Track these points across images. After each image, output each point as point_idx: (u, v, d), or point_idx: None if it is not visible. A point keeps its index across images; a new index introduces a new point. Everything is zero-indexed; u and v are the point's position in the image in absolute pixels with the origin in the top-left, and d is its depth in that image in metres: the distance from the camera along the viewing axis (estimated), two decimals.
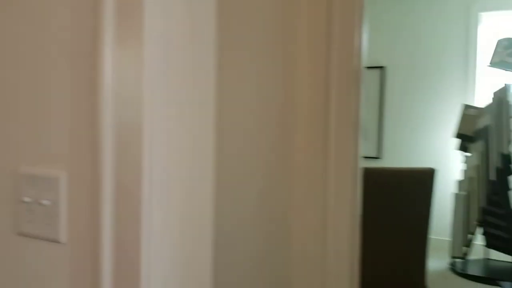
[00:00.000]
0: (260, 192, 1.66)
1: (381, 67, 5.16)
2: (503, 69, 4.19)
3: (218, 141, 1.04)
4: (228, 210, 1.43)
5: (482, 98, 4.68)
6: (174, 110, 0.90)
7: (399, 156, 5.06)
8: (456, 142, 4.54)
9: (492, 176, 4.03)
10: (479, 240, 4.47)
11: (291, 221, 1.82)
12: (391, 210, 3.33)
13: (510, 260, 4.30)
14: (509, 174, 4.11)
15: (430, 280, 4.04)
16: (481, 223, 4.32)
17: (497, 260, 4.47)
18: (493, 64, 4.16)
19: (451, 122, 4.73)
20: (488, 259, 4.53)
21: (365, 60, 1.86)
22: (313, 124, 1.81)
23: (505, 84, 4.03)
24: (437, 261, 4.53)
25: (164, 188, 0.86)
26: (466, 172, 4.25)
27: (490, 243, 4.47)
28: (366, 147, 5.24)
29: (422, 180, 3.39)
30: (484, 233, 4.45)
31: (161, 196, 0.85)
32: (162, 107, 0.87)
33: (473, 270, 4.16)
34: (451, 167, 4.83)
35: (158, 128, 0.85)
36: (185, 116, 0.93)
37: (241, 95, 1.55)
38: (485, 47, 4.69)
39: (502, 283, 3.47)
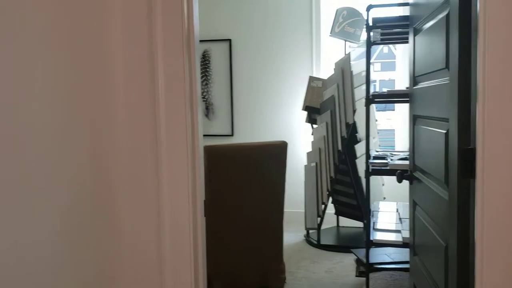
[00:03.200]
0: (79, 184, 1.27)
1: (228, 40, 4.93)
2: (343, 39, 4.25)
3: None
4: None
5: (327, 69, 4.73)
6: None
7: (251, 132, 4.94)
8: (305, 114, 4.54)
9: (339, 146, 4.08)
10: (331, 209, 4.57)
11: (119, 209, 1.47)
12: (247, 185, 3.14)
13: (360, 226, 4.46)
14: (355, 143, 4.21)
15: (285, 253, 3.99)
16: (331, 193, 4.40)
17: (349, 227, 4.62)
18: (333, 34, 4.18)
19: (300, 94, 4.71)
20: (342, 226, 4.67)
21: (198, 31, 1.56)
22: (138, 104, 1.45)
23: (346, 54, 4.09)
24: (293, 234, 4.52)
25: None
26: (314, 143, 4.26)
27: (340, 211, 4.60)
28: (217, 125, 5.01)
29: (275, 153, 3.25)
30: (334, 202, 4.56)
31: None
32: None
33: (326, 240, 4.22)
34: (301, 140, 4.84)
35: None
36: None
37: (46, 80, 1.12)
38: (328, 17, 4.71)
39: (354, 250, 3.52)
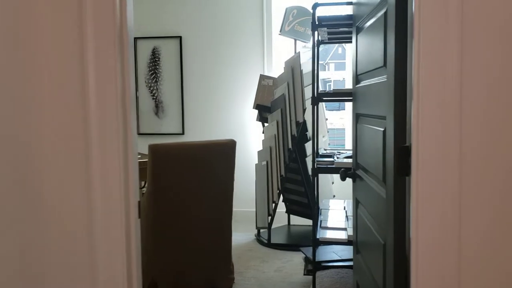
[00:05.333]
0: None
1: (178, 37, 4.84)
2: (293, 38, 4.26)
3: None
4: None
5: (280, 68, 4.72)
6: None
7: (203, 131, 4.87)
8: (256, 113, 4.52)
9: (289, 144, 4.08)
10: (283, 207, 4.56)
11: (48, 215, 1.38)
12: (195, 185, 3.08)
13: (311, 224, 4.48)
14: (305, 142, 4.23)
15: (235, 253, 3.96)
16: (282, 191, 4.40)
17: (300, 225, 4.64)
18: (283, 32, 4.18)
19: (252, 93, 4.68)
20: (294, 225, 4.68)
21: (132, 28, 1.49)
22: (68, 104, 1.37)
23: (296, 53, 4.09)
24: (244, 234, 4.49)
25: None
26: (265, 142, 4.25)
27: (291, 209, 4.61)
28: (168, 124, 4.91)
29: (223, 152, 3.21)
30: (285, 200, 4.57)
31: None
32: None
33: (276, 238, 4.22)
34: (253, 138, 4.81)
35: None
36: None
37: None
38: (280, 16, 4.71)
39: (302, 248, 3.52)
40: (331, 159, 2.86)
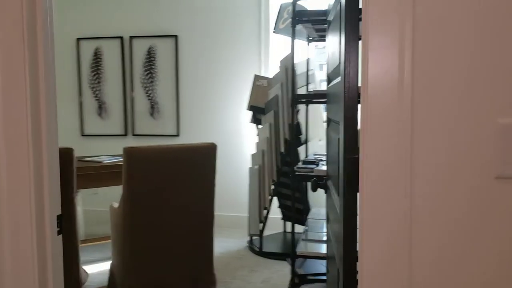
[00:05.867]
0: None
1: (174, 36, 4.69)
2: (288, 36, 4.05)
3: None
4: None
5: (276, 68, 4.53)
6: None
7: (198, 133, 4.71)
8: (250, 114, 4.34)
9: (282, 147, 3.89)
10: (278, 213, 4.37)
11: None
12: (173, 190, 2.91)
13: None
14: (298, 145, 4.03)
15: (224, 261, 3.79)
16: (277, 196, 4.21)
17: (297, 233, 4.42)
18: (277, 30, 3.98)
19: (247, 93, 4.50)
20: (290, 232, 4.47)
21: (48, 26, 1.33)
22: None
23: (290, 52, 3.89)
24: (236, 240, 4.32)
25: None
26: (258, 145, 4.06)
27: (288, 216, 4.41)
28: (162, 125, 4.77)
29: (204, 156, 3.04)
30: (281, 206, 4.37)
31: None
32: None
33: (269, 247, 4.03)
34: (247, 141, 4.63)
35: None
36: None
37: None
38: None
39: (288, 259, 3.32)
40: (313, 166, 2.65)
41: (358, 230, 1.22)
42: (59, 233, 1.40)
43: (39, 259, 1.31)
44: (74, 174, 2.82)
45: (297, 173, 2.63)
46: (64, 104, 4.92)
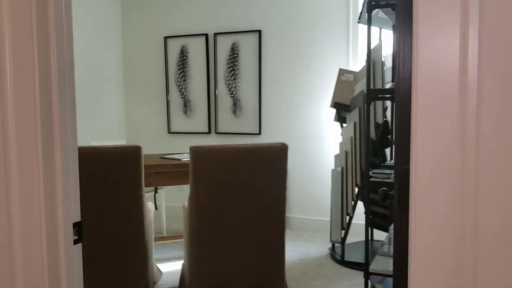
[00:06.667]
0: None
1: (257, 31, 4.55)
2: (376, 26, 3.70)
3: None
4: None
5: (362, 61, 4.18)
6: None
7: (281, 131, 4.52)
8: (334, 112, 4.05)
9: (366, 149, 3.55)
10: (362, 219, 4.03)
11: None
12: (241, 193, 2.76)
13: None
14: (386, 146, 3.66)
15: (301, 269, 3.55)
16: (362, 201, 3.87)
17: (377, 241, 4.06)
18: (363, 20, 3.64)
19: (331, 89, 4.21)
20: (377, 240, 4.11)
21: (61, 13, 1.22)
22: None
23: (378, 42, 3.54)
24: (317, 246, 4.06)
25: None
26: (342, 145, 3.76)
27: (373, 223, 4.04)
28: (244, 123, 4.65)
29: (274, 157, 2.84)
30: (367, 212, 4.01)
31: None
32: None
33: (352, 255, 3.71)
34: (331, 140, 4.34)
35: None
36: None
37: None
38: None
39: (374, 277, 3.00)
40: (391, 172, 2.32)
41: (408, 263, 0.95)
42: (77, 241, 1.29)
43: (50, 270, 1.21)
44: (142, 172, 2.78)
45: (372, 179, 2.32)
46: (153, 102, 5.02)
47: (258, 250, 2.85)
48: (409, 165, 0.99)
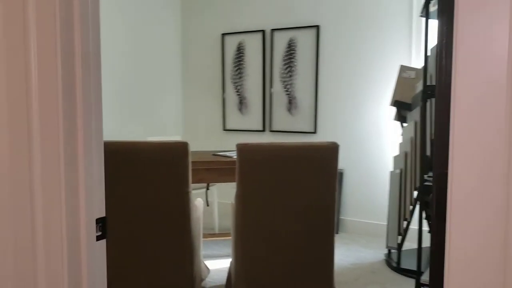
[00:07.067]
0: None
1: (315, 26, 4.42)
2: (434, 19, 3.44)
3: None
4: None
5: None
6: None
7: (335, 129, 4.36)
8: (394, 111, 3.84)
9: (427, 150, 3.32)
10: (424, 225, 3.79)
11: None
12: (287, 193, 2.67)
13: None
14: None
15: (353, 274, 3.40)
16: (425, 206, 3.64)
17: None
18: (424, 14, 3.40)
19: (391, 87, 4.01)
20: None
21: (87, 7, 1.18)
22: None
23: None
24: (373, 251, 3.87)
25: None
26: (401, 146, 3.56)
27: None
28: (300, 121, 4.54)
29: (324, 156, 2.71)
30: (428, 217, 3.77)
31: None
32: None
33: (408, 263, 3.50)
34: (390, 141, 4.12)
35: None
36: None
37: None
38: None
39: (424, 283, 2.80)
40: None
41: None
42: (100, 238, 1.27)
43: (71, 266, 1.19)
44: (188, 168, 2.76)
45: (426, 183, 2.14)
46: (209, 99, 5.04)
47: (305, 253, 2.75)
48: (447, 169, 0.86)
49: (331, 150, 2.70)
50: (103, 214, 1.28)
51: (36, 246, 1.18)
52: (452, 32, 0.90)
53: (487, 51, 0.75)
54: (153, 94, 4.85)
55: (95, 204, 1.24)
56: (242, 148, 2.67)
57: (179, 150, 2.73)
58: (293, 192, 2.70)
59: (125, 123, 4.51)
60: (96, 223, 1.26)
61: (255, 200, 2.70)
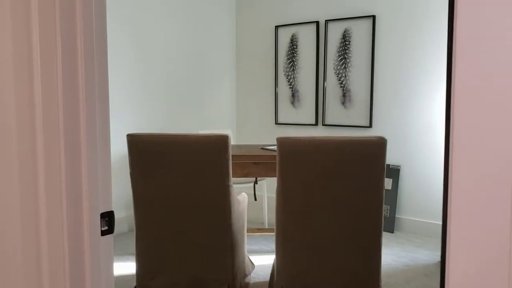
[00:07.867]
0: None
1: (371, 16, 4.22)
2: None
3: None
4: None
5: None
6: None
7: (392, 124, 4.15)
8: None
9: None
10: None
11: None
12: (330, 189, 2.56)
13: None
14: None
15: (405, 276, 3.21)
16: None
17: None
18: None
19: None
20: None
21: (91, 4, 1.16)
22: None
23: None
24: (428, 253, 3.65)
25: None
26: None
27: None
28: (354, 115, 4.37)
29: (370, 152, 2.57)
30: None
31: None
32: None
33: None
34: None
35: None
36: None
37: None
38: None
39: None
40: None
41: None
42: (105, 233, 1.25)
43: (72, 262, 1.18)
44: (229, 161, 2.73)
45: None
46: (262, 92, 4.99)
47: (349, 252, 2.63)
48: None
49: (378, 145, 2.56)
50: (109, 208, 1.26)
51: (39, 240, 1.18)
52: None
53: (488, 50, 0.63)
54: (206, 88, 4.88)
55: (99, 197, 1.23)
56: (282, 142, 2.60)
57: (219, 143, 2.71)
58: (336, 188, 2.59)
59: (179, 117, 4.58)
60: (102, 218, 1.24)
61: (296, 196, 2.61)
